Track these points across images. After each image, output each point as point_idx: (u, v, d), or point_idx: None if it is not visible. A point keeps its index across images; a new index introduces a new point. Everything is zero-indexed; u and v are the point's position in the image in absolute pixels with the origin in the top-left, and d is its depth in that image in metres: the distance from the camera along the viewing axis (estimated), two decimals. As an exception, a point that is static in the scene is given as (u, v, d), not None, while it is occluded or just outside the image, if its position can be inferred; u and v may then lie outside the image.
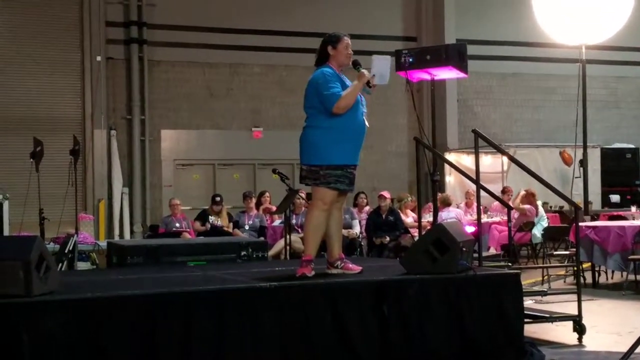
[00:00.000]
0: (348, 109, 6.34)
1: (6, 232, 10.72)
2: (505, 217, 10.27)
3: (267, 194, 15.56)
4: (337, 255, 6.59)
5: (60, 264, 10.09)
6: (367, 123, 6.58)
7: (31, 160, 12.25)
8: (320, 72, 6.46)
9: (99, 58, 17.49)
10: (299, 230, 13.22)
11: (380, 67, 6.53)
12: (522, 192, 14.66)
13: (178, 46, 18.37)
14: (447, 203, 14.66)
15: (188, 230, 14.50)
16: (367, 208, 15.21)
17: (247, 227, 14.40)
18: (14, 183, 13.19)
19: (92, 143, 17.45)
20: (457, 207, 15.46)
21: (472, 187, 13.61)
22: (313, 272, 6.32)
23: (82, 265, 11.06)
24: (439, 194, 15.46)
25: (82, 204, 16.52)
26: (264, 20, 18.74)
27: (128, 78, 18.02)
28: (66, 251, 10.63)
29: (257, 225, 14.45)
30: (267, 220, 14.83)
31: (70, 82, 17.56)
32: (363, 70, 6.47)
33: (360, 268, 6.53)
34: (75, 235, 11.14)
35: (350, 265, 6.53)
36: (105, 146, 17.63)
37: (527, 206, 14.31)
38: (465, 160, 17.77)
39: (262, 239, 13.76)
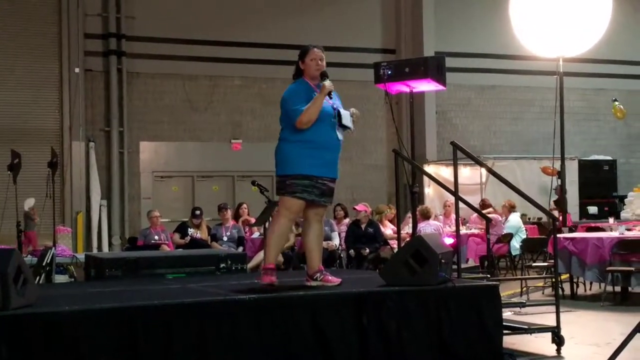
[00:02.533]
0: (311, 123, 6.39)
1: (-17, 245, 10.63)
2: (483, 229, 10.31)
3: (244, 205, 15.55)
4: (316, 268, 6.59)
5: (38, 277, 10.01)
6: (339, 135, 6.61)
7: (9, 172, 12.17)
8: (288, 88, 6.58)
9: (77, 70, 17.45)
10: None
11: (347, 120, 6.61)
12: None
13: (157, 58, 18.36)
14: (426, 216, 14.68)
15: (167, 242, 14.45)
16: (346, 220, 15.21)
17: (225, 239, 14.39)
18: (-9, 196, 13.10)
19: (71, 155, 17.38)
20: (436, 219, 15.48)
21: (451, 198, 13.68)
22: (276, 281, 6.35)
23: (60, 278, 10.99)
24: (419, 206, 15.54)
25: (60, 216, 16.44)
26: (244, 32, 18.76)
27: (107, 90, 18.00)
28: (44, 264, 10.55)
29: (235, 237, 14.46)
30: (246, 232, 14.82)
31: (48, 94, 17.51)
32: (324, 82, 6.47)
33: (340, 280, 6.53)
34: (53, 248, 11.06)
35: (330, 278, 6.54)
36: (84, 158, 17.58)
37: (493, 215, 14.37)
38: (444, 172, 17.84)
39: (241, 250, 13.79)
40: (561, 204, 15.32)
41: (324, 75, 6.56)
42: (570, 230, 14.14)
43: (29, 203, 15.12)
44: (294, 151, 6.43)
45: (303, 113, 6.36)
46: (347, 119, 6.61)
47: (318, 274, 6.56)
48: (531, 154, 20.02)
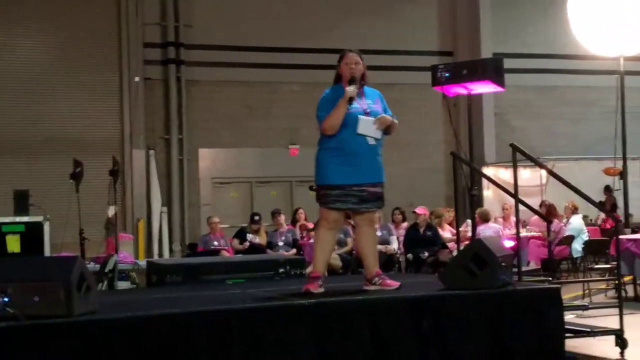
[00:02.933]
0: (335, 129, 6.41)
1: (47, 253, 10.79)
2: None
3: (300, 210, 15.61)
4: (373, 272, 6.58)
5: (100, 284, 10.16)
6: (370, 141, 6.46)
7: (71, 181, 12.36)
8: (323, 94, 6.62)
9: (137, 79, 17.66)
10: (336, 247, 13.26)
11: (366, 127, 6.46)
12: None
13: (215, 66, 18.49)
14: (486, 219, 14.58)
15: (226, 248, 14.56)
16: (404, 224, 15.15)
17: (280, 244, 14.46)
18: (55, 204, 13.27)
19: (131, 163, 17.59)
20: (495, 221, 15.35)
21: (510, 201, 13.56)
22: (320, 289, 6.34)
23: (122, 285, 11.13)
24: (478, 209, 15.43)
25: (122, 223, 16.64)
26: (301, 38, 18.82)
27: (166, 98, 18.18)
28: (106, 271, 10.70)
29: (290, 240, 14.54)
30: (304, 237, 14.87)
31: (109, 103, 17.74)
32: (348, 88, 6.44)
33: (399, 284, 6.51)
34: (115, 255, 11.22)
35: (388, 282, 6.52)
36: (144, 166, 17.77)
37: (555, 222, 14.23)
38: (503, 175, 17.65)
39: (299, 255, 13.83)
40: (608, 205, 15.22)
41: (351, 81, 6.51)
42: (633, 232, 13.94)
43: (112, 211, 15.42)
44: (324, 160, 6.51)
45: (325, 120, 6.42)
46: (365, 127, 6.44)
47: (376, 278, 6.55)
48: (592, 154, 19.73)
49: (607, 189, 16.45)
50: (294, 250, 14.31)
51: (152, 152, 17.84)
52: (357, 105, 6.48)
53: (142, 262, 11.52)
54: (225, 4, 18.63)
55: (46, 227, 10.59)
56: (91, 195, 14.19)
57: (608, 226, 16.28)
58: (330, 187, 6.42)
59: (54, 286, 5.05)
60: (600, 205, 7.83)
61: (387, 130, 6.60)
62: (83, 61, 17.50)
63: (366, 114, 6.49)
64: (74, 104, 17.31)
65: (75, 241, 12.20)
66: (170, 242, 17.78)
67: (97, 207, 14.11)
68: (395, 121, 6.63)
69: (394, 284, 6.50)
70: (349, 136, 6.42)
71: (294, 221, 15.34)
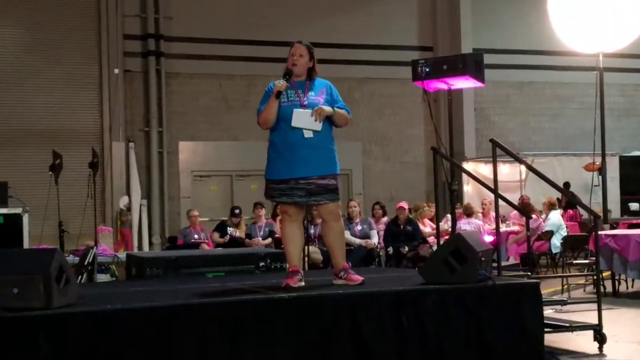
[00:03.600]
0: (268, 123, 6.48)
1: (26, 245, 10.76)
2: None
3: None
4: (340, 266, 6.57)
5: (79, 276, 10.13)
6: (306, 134, 6.38)
7: (50, 173, 12.31)
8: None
9: (116, 71, 17.59)
10: (316, 241, 13.25)
11: (300, 120, 6.39)
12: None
13: (195, 58, 18.44)
14: (469, 213, 14.62)
15: (206, 241, 14.53)
16: (385, 219, 15.15)
17: (260, 239, 14.45)
18: (34, 196, 13.24)
19: (111, 155, 17.53)
20: (476, 217, 15.39)
21: (490, 196, 13.60)
22: (300, 283, 6.33)
23: (101, 278, 11.11)
24: (463, 204, 15.48)
25: (101, 216, 16.59)
26: (281, 31, 18.73)
27: (146, 90, 18.11)
28: (86, 263, 10.68)
29: (267, 234, 14.53)
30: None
31: (88, 95, 17.67)
32: (277, 81, 6.42)
33: (362, 279, 6.47)
34: (95, 248, 11.18)
35: (353, 276, 6.48)
36: (124, 158, 17.70)
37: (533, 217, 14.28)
38: (483, 170, 17.74)
39: (276, 247, 13.82)
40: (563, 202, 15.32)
41: (286, 74, 6.47)
42: (612, 227, 14.03)
43: (124, 201, 15.41)
44: (268, 154, 6.56)
45: (259, 114, 6.52)
46: (299, 120, 6.37)
47: (342, 272, 6.53)
48: (571, 150, 19.85)
49: (565, 186, 16.53)
50: (269, 240, 14.28)
51: (131, 144, 17.77)
52: (295, 98, 6.45)
53: (122, 255, 11.49)
54: (206, -4, 18.59)
55: (25, 219, 10.55)
56: (70, 187, 14.13)
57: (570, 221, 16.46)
58: (274, 182, 6.46)
59: (33, 278, 5.03)
60: (578, 201, 7.85)
61: (333, 122, 6.52)
62: (62, 53, 17.40)
63: (302, 106, 6.41)
64: (53, 95, 17.22)
65: (55, 233, 12.16)
66: (150, 235, 17.74)
67: (76, 199, 14.06)
68: (341, 111, 6.52)
69: (357, 278, 6.45)
70: (285, 130, 6.43)
71: (274, 215, 15.31)
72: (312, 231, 13.35)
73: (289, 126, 6.40)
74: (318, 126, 6.37)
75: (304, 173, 6.39)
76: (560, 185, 16.76)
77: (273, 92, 6.40)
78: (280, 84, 6.37)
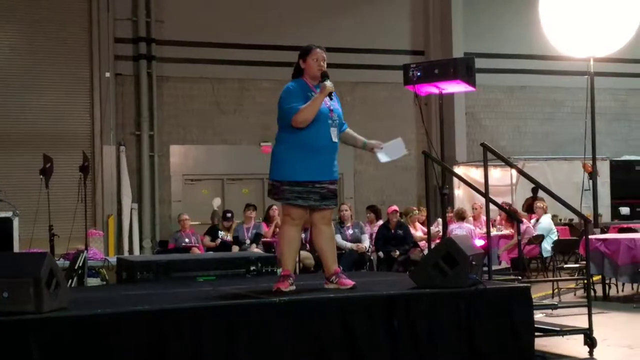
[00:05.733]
0: (307, 122, 6.30)
1: (16, 249, 10.73)
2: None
3: (274, 207, 15.56)
4: (332, 270, 6.56)
5: (70, 280, 10.09)
6: (334, 137, 6.47)
7: (41, 176, 12.28)
8: (286, 87, 6.49)
9: (107, 74, 17.54)
10: (307, 245, 13.23)
11: (394, 148, 6.57)
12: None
13: (187, 62, 18.42)
14: (461, 217, 14.63)
15: (197, 245, 14.51)
16: (379, 222, 15.14)
17: (247, 242, 14.40)
18: (24, 200, 13.20)
19: (102, 159, 17.49)
20: (466, 221, 15.39)
21: (480, 200, 13.62)
22: (291, 287, 6.30)
23: (92, 281, 11.05)
24: (455, 208, 15.49)
25: (92, 219, 16.55)
26: (273, 35, 18.78)
27: (137, 94, 18.07)
28: (76, 267, 10.62)
29: (253, 237, 14.49)
30: (276, 235, 14.85)
31: (79, 98, 17.62)
32: (325, 82, 6.38)
33: (353, 283, 6.48)
34: (85, 251, 11.15)
35: (344, 280, 6.49)
36: (115, 162, 17.66)
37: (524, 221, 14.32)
38: (474, 174, 17.76)
39: (268, 251, 13.80)
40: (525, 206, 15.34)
41: (325, 76, 6.46)
42: (602, 232, 14.05)
43: (217, 202, 15.42)
44: (286, 154, 6.36)
45: (299, 112, 6.28)
46: (392, 152, 6.87)
47: (334, 277, 6.53)
48: (562, 155, 19.89)
49: (533, 191, 16.58)
50: (254, 246, 14.22)
51: (122, 148, 17.73)
52: (323, 102, 6.43)
53: (113, 259, 11.46)
54: (197, 0, 18.56)
55: (15, 223, 10.51)
56: (61, 191, 14.11)
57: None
58: (292, 184, 6.34)
59: (23, 282, 5.02)
60: (569, 205, 7.86)
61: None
62: (53, 56, 17.36)
63: (330, 111, 6.45)
64: (44, 99, 17.17)
65: (45, 237, 12.12)
66: (141, 239, 17.70)
67: (67, 202, 14.04)
68: None
69: (349, 282, 6.47)
70: (318, 132, 6.36)
71: (266, 219, 15.30)
72: (303, 235, 13.31)
73: (324, 128, 6.37)
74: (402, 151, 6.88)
75: (322, 177, 6.42)
76: (572, 187, 16.88)
77: (323, 92, 6.33)
78: (330, 85, 6.37)
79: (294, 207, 6.39)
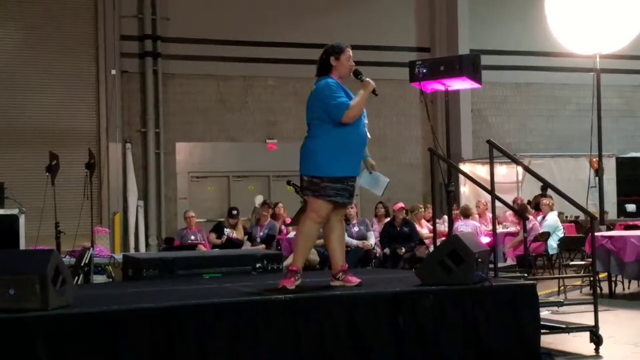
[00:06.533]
0: (356, 119, 6.31)
1: (22, 246, 10.73)
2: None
3: (280, 204, 15.57)
4: (339, 267, 6.56)
5: (76, 278, 10.11)
6: (368, 134, 6.56)
7: (47, 174, 12.28)
8: (325, 83, 6.37)
9: (113, 72, 17.57)
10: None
11: (378, 182, 6.83)
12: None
13: (192, 59, 18.43)
14: (466, 214, 14.60)
15: (203, 242, 14.51)
16: (387, 219, 15.11)
17: (258, 240, 14.42)
18: (30, 197, 13.20)
19: (108, 156, 17.52)
20: (472, 218, 15.37)
21: (486, 197, 13.60)
22: (295, 285, 6.26)
23: (98, 279, 11.08)
24: (460, 205, 15.46)
25: (98, 217, 16.57)
26: (278, 32, 18.79)
27: (143, 91, 18.10)
28: (82, 264, 10.65)
29: (265, 237, 14.48)
30: (282, 231, 14.86)
31: (85, 95, 17.65)
32: (368, 79, 6.43)
33: (359, 280, 6.47)
34: (91, 249, 11.16)
35: (350, 278, 6.49)
36: (121, 159, 17.69)
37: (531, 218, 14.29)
38: (480, 171, 17.74)
39: (276, 249, 13.80)
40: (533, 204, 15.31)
41: (359, 73, 6.50)
42: (608, 229, 14.03)
43: (259, 199, 15.47)
44: (327, 150, 6.27)
45: (351, 108, 6.24)
46: (375, 184, 6.92)
47: (340, 274, 6.53)
48: (568, 151, 19.85)
49: (542, 189, 16.55)
50: (263, 246, 14.19)
51: (128, 145, 17.77)
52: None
53: (118, 256, 11.48)
54: (203, -3, 18.59)
55: (21, 220, 10.51)
56: (67, 188, 14.12)
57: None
58: (334, 180, 6.29)
59: (30, 279, 5.03)
60: (575, 202, 7.84)
61: None
62: (60, 53, 17.38)
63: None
64: (50, 96, 17.20)
65: (51, 234, 12.13)
66: (147, 236, 17.73)
67: (73, 200, 14.05)
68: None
69: (355, 280, 6.46)
70: (357, 128, 6.39)
71: (272, 216, 15.30)
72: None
73: (359, 124, 6.40)
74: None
75: (355, 173, 6.50)
76: (579, 184, 16.86)
77: (367, 90, 6.38)
78: (373, 82, 6.42)
79: (330, 203, 6.33)
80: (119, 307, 5.35)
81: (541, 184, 8.02)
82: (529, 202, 16.19)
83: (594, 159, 15.78)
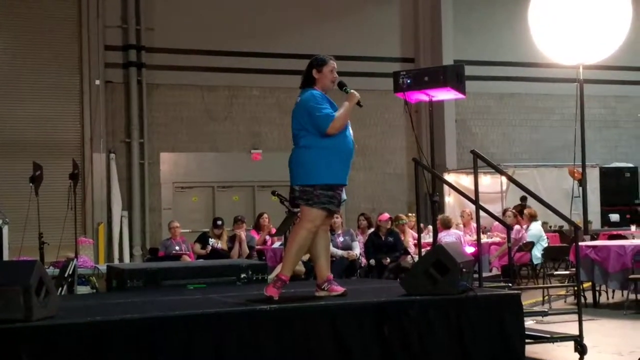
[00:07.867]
0: (341, 129, 6.36)
1: (6, 257, 10.70)
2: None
3: (265, 215, 15.53)
4: (324, 277, 6.56)
5: (60, 288, 10.05)
6: (355, 144, 6.61)
7: (30, 184, 12.23)
8: (310, 94, 6.43)
9: (97, 82, 17.55)
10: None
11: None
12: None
13: (176, 69, 18.43)
14: (447, 225, 14.60)
15: (188, 253, 14.45)
16: (370, 230, 15.11)
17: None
18: (14, 207, 13.17)
19: (92, 167, 17.47)
20: (457, 227, 15.39)
21: (471, 207, 13.62)
22: (281, 290, 6.29)
23: (82, 290, 11.01)
24: (440, 215, 15.47)
25: (82, 227, 16.51)
26: (263, 43, 18.80)
27: (127, 101, 18.07)
28: (66, 275, 10.59)
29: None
30: (267, 242, 14.83)
31: (69, 106, 17.61)
32: (353, 91, 6.50)
33: (344, 289, 6.48)
34: (75, 259, 11.11)
35: (335, 287, 6.50)
36: (105, 170, 17.65)
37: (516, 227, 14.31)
38: (464, 181, 17.79)
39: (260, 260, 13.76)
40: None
41: (343, 85, 6.57)
42: (592, 238, 14.07)
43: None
44: (317, 159, 6.30)
45: (336, 119, 6.30)
46: None
47: (326, 284, 6.53)
48: (552, 162, 19.94)
49: (522, 199, 16.63)
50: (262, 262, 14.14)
51: (112, 155, 17.73)
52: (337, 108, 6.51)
53: (102, 267, 11.41)
54: (187, 7, 18.58)
55: (5, 231, 10.48)
56: (51, 198, 14.06)
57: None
58: (326, 188, 6.32)
59: (13, 290, 4.99)
60: (559, 212, 7.87)
61: None
62: (43, 63, 17.34)
63: None
64: (34, 106, 17.14)
65: (35, 245, 12.07)
66: (131, 247, 17.67)
67: (57, 210, 13.99)
68: None
69: (339, 289, 6.47)
70: (345, 137, 6.45)
71: (256, 226, 15.27)
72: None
73: (347, 133, 6.48)
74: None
75: (345, 181, 6.53)
76: (562, 193, 16.90)
77: (352, 101, 6.46)
78: (357, 93, 6.50)
79: (324, 211, 6.36)
80: (103, 318, 5.32)
81: (524, 193, 8.02)
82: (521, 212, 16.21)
83: (575, 169, 15.85)
